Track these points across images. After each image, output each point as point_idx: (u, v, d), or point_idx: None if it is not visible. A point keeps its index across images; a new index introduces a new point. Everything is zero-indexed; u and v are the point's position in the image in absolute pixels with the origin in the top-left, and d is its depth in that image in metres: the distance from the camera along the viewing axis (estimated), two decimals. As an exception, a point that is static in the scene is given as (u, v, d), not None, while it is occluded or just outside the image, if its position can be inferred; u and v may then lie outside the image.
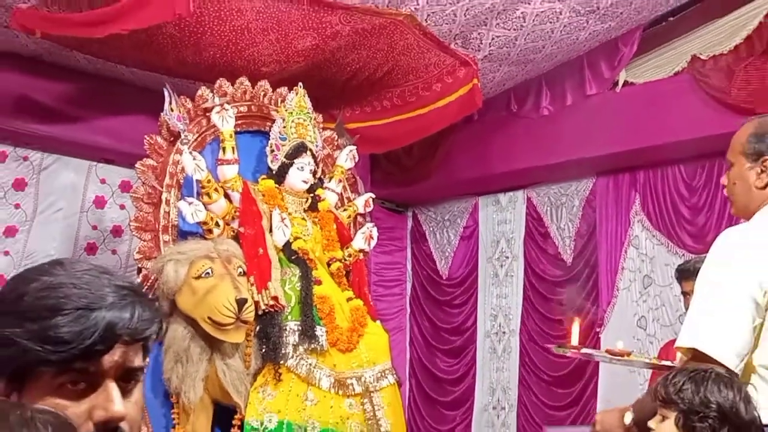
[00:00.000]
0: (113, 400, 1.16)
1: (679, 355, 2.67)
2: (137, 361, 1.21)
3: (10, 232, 4.80)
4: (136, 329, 1.18)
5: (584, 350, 3.11)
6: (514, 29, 4.71)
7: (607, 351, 3.08)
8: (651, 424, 2.42)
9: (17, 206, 4.87)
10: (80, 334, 1.13)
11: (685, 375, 2.38)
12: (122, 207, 5.09)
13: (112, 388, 1.17)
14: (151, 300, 1.28)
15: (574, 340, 3.01)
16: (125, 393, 1.20)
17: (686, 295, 4.13)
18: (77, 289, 1.18)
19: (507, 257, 5.90)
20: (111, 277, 1.24)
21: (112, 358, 1.16)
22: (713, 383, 2.33)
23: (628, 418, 2.82)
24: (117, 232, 5.14)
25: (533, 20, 4.65)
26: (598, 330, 5.30)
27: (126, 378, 1.20)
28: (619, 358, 2.97)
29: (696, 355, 2.43)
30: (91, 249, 5.07)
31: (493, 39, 4.76)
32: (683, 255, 4.93)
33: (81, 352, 1.13)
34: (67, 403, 1.15)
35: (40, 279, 1.20)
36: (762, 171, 2.60)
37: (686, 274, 4.28)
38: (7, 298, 1.20)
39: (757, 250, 2.47)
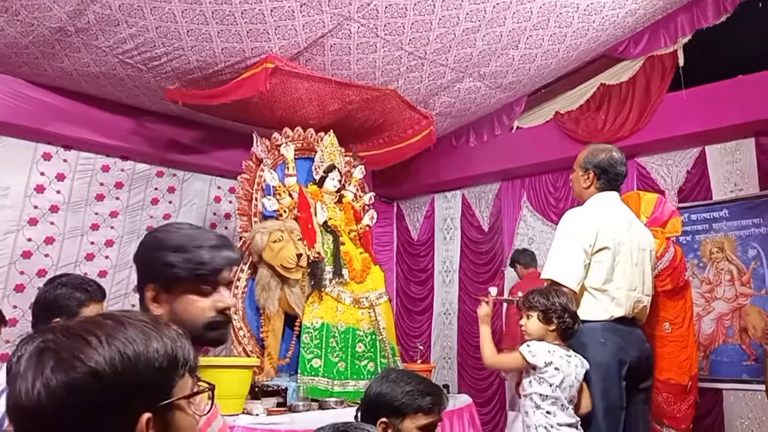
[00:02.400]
0: (224, 298, 1.22)
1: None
2: (233, 276, 1.28)
3: (166, 216, 4.82)
4: (237, 259, 1.26)
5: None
6: (453, 97, 4.73)
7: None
8: (521, 322, 2.43)
9: (170, 203, 4.93)
10: (213, 260, 1.21)
11: (537, 292, 2.43)
12: (230, 202, 5.08)
13: (225, 290, 1.24)
14: (232, 243, 1.32)
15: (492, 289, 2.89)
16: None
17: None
18: (205, 236, 1.24)
19: (450, 228, 5.89)
20: (212, 232, 1.31)
21: (225, 274, 1.23)
22: (552, 293, 2.39)
23: (493, 291, 2.83)
24: (227, 216, 5.16)
25: (464, 93, 4.68)
26: (503, 269, 5.34)
27: (229, 286, 1.26)
28: (509, 299, 2.92)
29: (551, 282, 2.49)
30: (213, 226, 5.10)
31: (441, 103, 4.77)
32: (551, 225, 4.94)
33: (212, 270, 1.21)
34: (199, 298, 1.20)
35: (179, 231, 1.24)
36: (587, 178, 2.66)
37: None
38: (159, 243, 1.22)
39: (584, 221, 2.53)
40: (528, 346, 2.34)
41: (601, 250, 2.49)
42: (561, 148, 4.70)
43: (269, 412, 3.16)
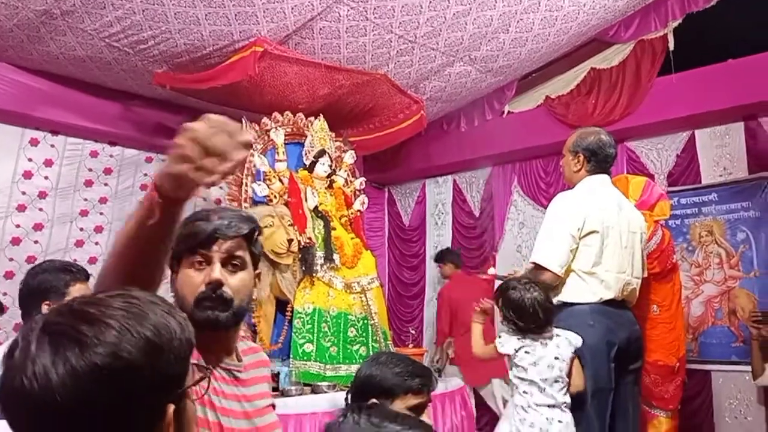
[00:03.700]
0: (213, 270, 1.16)
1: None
2: (238, 252, 1.18)
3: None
4: (229, 228, 1.17)
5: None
6: (444, 82, 4.70)
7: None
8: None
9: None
10: (203, 231, 1.17)
11: (505, 284, 2.47)
12: (221, 188, 4.94)
13: (216, 265, 1.16)
14: (244, 216, 1.24)
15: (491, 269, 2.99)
16: (231, 273, 1.18)
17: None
18: (210, 210, 1.23)
19: (442, 213, 5.87)
20: (225, 208, 1.30)
21: (219, 247, 1.16)
22: (515, 289, 2.40)
23: (492, 271, 2.93)
24: (218, 202, 5.02)
25: (455, 77, 4.65)
26: (494, 253, 5.33)
27: (231, 263, 1.18)
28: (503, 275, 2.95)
29: (536, 266, 2.51)
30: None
31: (431, 88, 4.74)
32: (542, 210, 4.86)
33: (200, 242, 1.16)
34: (194, 273, 1.17)
35: (197, 212, 1.23)
36: (576, 162, 2.66)
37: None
38: None
39: (574, 206, 2.54)
40: (499, 337, 2.46)
41: (590, 233, 2.50)
42: (551, 133, 4.67)
43: (261, 397, 3.16)
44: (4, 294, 3.83)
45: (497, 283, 2.89)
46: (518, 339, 2.39)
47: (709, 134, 4.30)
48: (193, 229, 1.17)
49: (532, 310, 2.35)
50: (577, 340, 2.39)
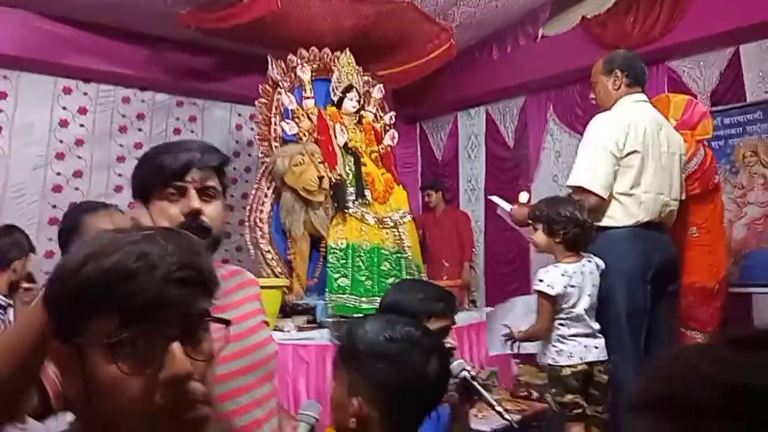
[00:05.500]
0: (191, 200, 1.15)
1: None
2: (210, 182, 1.18)
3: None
4: (201, 159, 1.16)
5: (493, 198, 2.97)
6: (473, 7, 4.54)
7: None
8: (529, 232, 2.42)
9: (192, 132, 4.93)
10: (174, 162, 1.15)
11: (543, 202, 2.39)
12: (251, 129, 5.03)
13: (192, 194, 1.15)
14: (212, 146, 1.23)
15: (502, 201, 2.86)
16: (206, 203, 1.17)
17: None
18: (177, 143, 1.22)
19: (475, 146, 5.77)
20: (194, 141, 1.25)
21: (192, 177, 1.15)
22: (558, 203, 2.35)
23: (524, 197, 2.80)
24: (250, 144, 5.15)
25: (485, 1, 4.48)
26: (529, 185, 5.18)
27: (205, 193, 1.17)
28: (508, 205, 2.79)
29: (578, 189, 2.45)
30: (236, 154, 5.10)
31: (461, 14, 4.58)
32: (579, 137, 4.78)
33: (173, 172, 1.15)
34: (169, 205, 1.15)
35: (157, 147, 1.23)
36: (615, 80, 2.57)
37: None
38: (140, 160, 1.22)
39: (614, 125, 2.47)
40: (541, 281, 2.30)
41: (631, 153, 2.44)
42: (588, 55, 4.32)
43: (300, 329, 3.25)
44: (50, 239, 3.97)
45: (499, 209, 2.78)
46: (562, 275, 2.28)
47: (755, 48, 4.05)
48: (162, 162, 1.16)
49: (584, 222, 2.27)
50: (603, 265, 2.34)
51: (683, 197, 2.66)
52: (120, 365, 0.62)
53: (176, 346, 0.65)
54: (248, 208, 3.85)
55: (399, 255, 3.86)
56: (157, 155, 1.19)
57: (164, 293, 0.64)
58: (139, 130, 4.65)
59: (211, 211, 1.17)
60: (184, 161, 1.16)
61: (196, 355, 0.67)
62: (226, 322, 0.72)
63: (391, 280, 3.79)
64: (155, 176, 1.16)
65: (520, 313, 2.44)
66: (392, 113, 4.47)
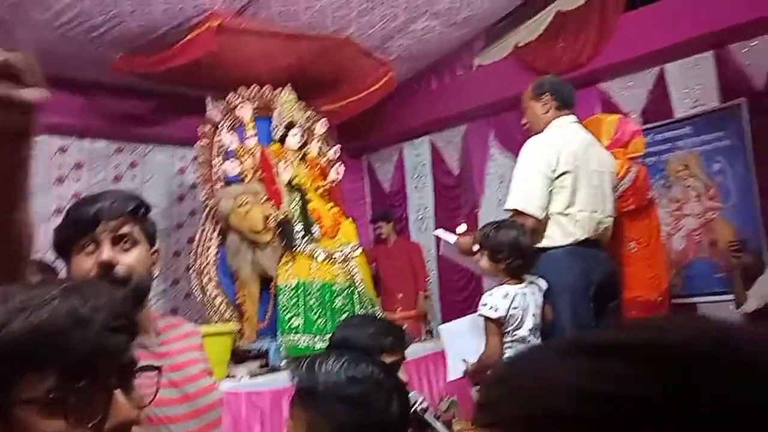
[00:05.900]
0: (103, 252, 1.13)
1: None
2: (125, 229, 1.15)
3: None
4: (111, 208, 1.15)
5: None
6: (409, 40, 4.58)
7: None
8: (473, 262, 2.46)
9: (134, 176, 4.81)
10: (84, 214, 1.14)
11: (488, 227, 2.41)
12: (194, 172, 4.95)
13: (105, 246, 1.14)
14: (128, 194, 1.23)
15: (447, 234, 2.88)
16: (125, 251, 1.16)
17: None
18: (92, 196, 1.20)
19: (421, 175, 5.79)
20: (109, 191, 1.24)
21: (103, 228, 1.14)
22: (500, 230, 2.37)
23: (462, 228, 2.81)
24: (194, 187, 5.02)
25: (420, 34, 4.53)
26: (476, 211, 5.28)
27: (121, 241, 1.15)
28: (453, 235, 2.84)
29: (515, 212, 2.48)
30: (180, 198, 5.02)
31: (398, 47, 4.62)
32: None
33: (84, 225, 1.14)
34: (85, 258, 1.14)
35: (76, 201, 1.24)
36: (543, 103, 2.64)
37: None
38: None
39: (546, 147, 2.52)
40: (485, 304, 2.31)
41: (563, 174, 2.49)
42: (523, 82, 4.35)
43: (253, 375, 3.17)
44: None
45: (442, 243, 2.81)
46: (504, 297, 2.28)
47: (679, 67, 4.24)
48: (76, 215, 1.16)
49: (526, 248, 2.30)
50: (545, 285, 2.37)
51: (617, 214, 2.73)
52: (68, 419, 0.63)
53: (119, 394, 0.66)
54: (193, 252, 3.77)
55: (351, 290, 3.83)
56: (72, 211, 1.19)
57: (102, 345, 0.65)
58: (77, 180, 4.51)
59: (131, 260, 1.16)
60: (93, 212, 1.14)
61: (131, 403, 0.68)
62: (158, 369, 0.75)
63: (344, 316, 3.74)
64: (69, 231, 1.16)
65: (469, 331, 2.44)
66: (337, 147, 4.48)
